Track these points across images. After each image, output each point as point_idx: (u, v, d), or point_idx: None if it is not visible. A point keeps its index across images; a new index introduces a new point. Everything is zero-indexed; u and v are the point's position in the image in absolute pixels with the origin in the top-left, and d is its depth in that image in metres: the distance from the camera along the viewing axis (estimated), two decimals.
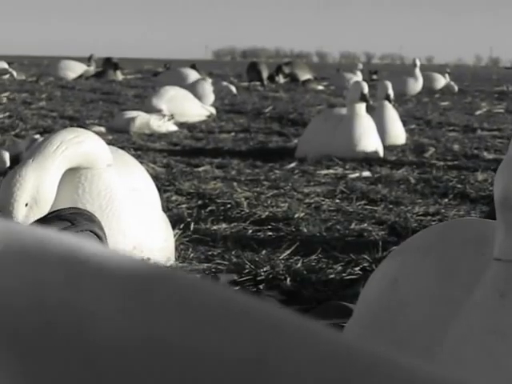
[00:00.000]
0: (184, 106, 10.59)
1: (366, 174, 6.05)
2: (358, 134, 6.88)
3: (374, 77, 28.19)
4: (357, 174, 6.01)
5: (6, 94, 15.38)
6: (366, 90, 6.89)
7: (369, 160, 6.73)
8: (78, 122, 9.95)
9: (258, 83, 22.32)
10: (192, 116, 10.61)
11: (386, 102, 8.17)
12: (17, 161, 5.85)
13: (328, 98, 16.81)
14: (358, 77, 22.85)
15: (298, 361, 0.37)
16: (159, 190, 3.53)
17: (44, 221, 2.42)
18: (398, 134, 8.25)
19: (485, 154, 7.57)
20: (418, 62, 18.92)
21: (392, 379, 0.37)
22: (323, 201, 4.87)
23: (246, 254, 3.49)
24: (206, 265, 3.40)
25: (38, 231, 0.42)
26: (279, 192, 5.16)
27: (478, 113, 13.58)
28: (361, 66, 26.05)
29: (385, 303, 1.62)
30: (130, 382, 0.35)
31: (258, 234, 3.98)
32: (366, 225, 4.18)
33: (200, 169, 6.18)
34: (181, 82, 14.46)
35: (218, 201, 4.71)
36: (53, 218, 2.43)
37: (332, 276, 3.24)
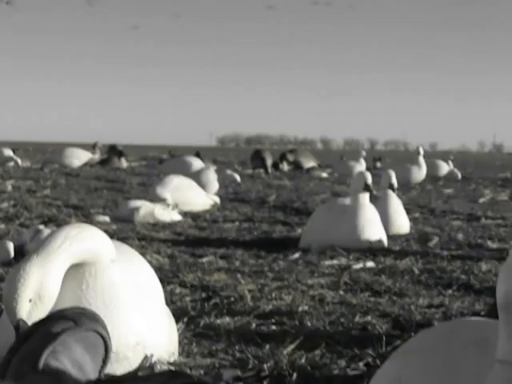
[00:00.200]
0: (188, 195, 10.64)
1: (370, 264, 6.04)
2: (362, 224, 6.90)
3: (378, 164, 28.43)
4: (361, 265, 6.00)
5: (11, 181, 15.51)
6: (369, 180, 6.95)
7: (373, 250, 6.73)
8: (82, 211, 9.99)
9: (262, 171, 22.49)
10: (196, 205, 10.64)
11: (390, 191, 8.22)
12: (21, 251, 5.87)
13: (332, 186, 16.91)
14: (362, 164, 23.09)
15: None
16: (163, 281, 3.53)
17: (48, 320, 2.42)
18: (402, 223, 8.27)
19: (489, 243, 7.57)
20: (421, 150, 19.09)
21: None
22: (327, 293, 4.86)
23: (249, 349, 3.47)
24: (209, 360, 3.38)
25: None
26: (283, 284, 5.14)
27: (481, 200, 13.63)
28: (364, 153, 26.28)
29: None
30: None
31: (262, 327, 3.96)
32: (369, 317, 4.16)
33: (204, 259, 6.18)
34: (185, 170, 14.63)
35: (222, 293, 4.70)
36: (57, 318, 2.43)
37: (336, 372, 3.21)
